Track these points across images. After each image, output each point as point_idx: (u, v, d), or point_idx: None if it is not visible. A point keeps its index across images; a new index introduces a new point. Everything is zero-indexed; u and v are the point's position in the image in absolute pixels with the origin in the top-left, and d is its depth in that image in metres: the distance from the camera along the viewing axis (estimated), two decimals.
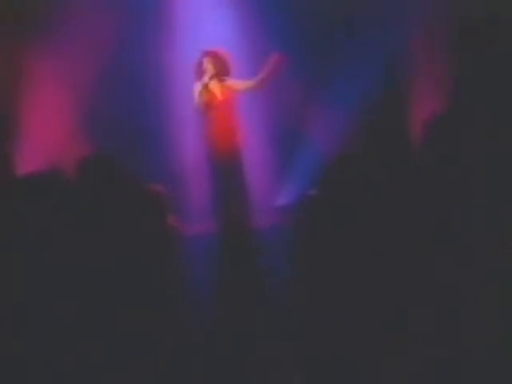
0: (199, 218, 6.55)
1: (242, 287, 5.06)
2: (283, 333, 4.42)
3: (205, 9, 7.18)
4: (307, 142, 7.05)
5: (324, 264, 4.88)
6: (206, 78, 6.52)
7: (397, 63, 6.95)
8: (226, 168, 6.46)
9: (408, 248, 4.91)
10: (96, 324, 4.17)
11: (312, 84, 7.08)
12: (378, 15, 6.89)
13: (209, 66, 6.53)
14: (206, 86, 6.49)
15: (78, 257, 4.73)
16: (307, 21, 7.00)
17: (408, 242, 5.03)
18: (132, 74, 6.90)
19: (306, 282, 4.73)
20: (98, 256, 4.75)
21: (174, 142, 6.90)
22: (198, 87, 6.56)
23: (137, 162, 6.34)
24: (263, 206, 6.67)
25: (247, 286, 5.09)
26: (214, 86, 6.54)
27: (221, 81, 6.58)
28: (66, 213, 5.14)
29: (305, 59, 7.00)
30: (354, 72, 6.97)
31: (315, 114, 7.11)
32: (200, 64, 6.57)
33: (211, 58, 6.53)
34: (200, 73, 6.58)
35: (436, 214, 5.32)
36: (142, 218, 5.31)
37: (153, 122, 6.93)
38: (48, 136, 6.72)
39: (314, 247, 5.22)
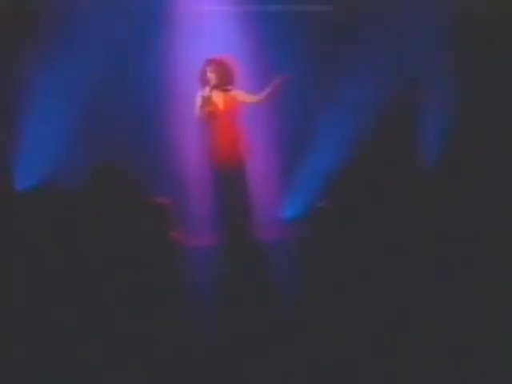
0: (202, 230, 6.41)
1: (245, 301, 5.02)
2: (287, 346, 4.38)
3: (207, 15, 7.03)
4: (312, 152, 6.93)
5: (334, 277, 4.98)
6: (207, 88, 6.42)
7: (406, 72, 6.89)
8: (229, 179, 6.38)
9: (418, 258, 5.09)
10: (96, 335, 4.21)
11: (318, 93, 6.99)
12: (385, 23, 6.86)
13: (211, 76, 6.41)
14: (208, 96, 6.40)
15: (79, 265, 4.81)
16: (312, 27, 6.95)
17: (418, 253, 5.22)
18: (133, 82, 6.75)
19: (314, 294, 4.82)
20: (98, 265, 4.81)
21: (177, 153, 6.74)
22: (199, 97, 6.45)
23: (139, 174, 6.30)
24: (268, 218, 6.57)
25: (251, 299, 5.04)
26: (217, 95, 6.43)
27: (224, 90, 6.46)
28: (69, 223, 5.23)
29: (311, 67, 6.92)
30: (361, 81, 6.87)
31: (321, 123, 7.00)
32: (203, 73, 6.47)
33: (214, 67, 6.41)
34: (203, 82, 6.47)
35: (444, 226, 5.52)
36: (145, 229, 5.39)
37: (155, 132, 6.79)
38: (47, 146, 6.66)
39: (324, 259, 5.31)
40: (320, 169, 6.73)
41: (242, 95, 6.47)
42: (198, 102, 6.43)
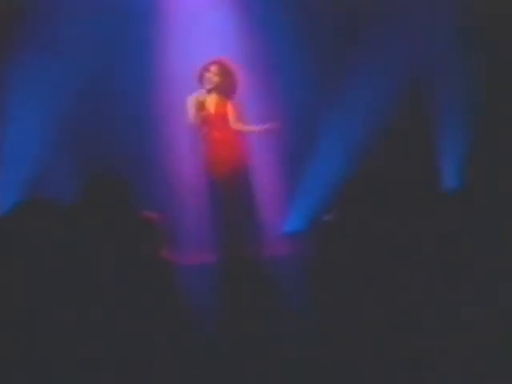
0: (197, 246, 6.14)
1: (245, 326, 4.70)
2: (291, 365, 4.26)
3: (204, 16, 6.80)
4: (319, 161, 6.75)
5: (342, 294, 4.88)
6: (204, 90, 6.17)
7: (418, 77, 6.75)
8: (227, 190, 6.14)
9: (428, 275, 4.95)
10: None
11: (325, 98, 6.81)
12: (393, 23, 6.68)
13: (213, 78, 6.14)
14: (205, 99, 6.15)
15: (66, 280, 4.74)
16: (316, 30, 6.75)
17: (427, 269, 5.02)
18: (122, 87, 6.51)
19: (320, 317, 4.63)
20: (82, 284, 4.73)
21: (168, 161, 6.52)
22: (194, 100, 6.16)
23: (127, 185, 5.83)
24: (270, 232, 6.33)
25: (252, 324, 4.71)
26: (215, 99, 6.20)
27: (222, 95, 6.21)
28: (56, 238, 5.11)
29: (314, 74, 6.71)
30: (369, 88, 6.71)
31: (327, 130, 6.82)
32: (204, 73, 6.19)
33: (219, 69, 6.15)
34: (202, 83, 6.21)
35: (456, 246, 5.28)
36: (133, 246, 5.21)
37: (144, 138, 6.56)
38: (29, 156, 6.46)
39: (331, 276, 5.19)
40: (327, 179, 6.53)
41: (232, 113, 6.20)
42: (193, 105, 6.16)
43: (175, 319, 4.56)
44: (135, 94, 6.45)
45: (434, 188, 6.09)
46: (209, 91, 6.12)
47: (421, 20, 6.70)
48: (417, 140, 6.61)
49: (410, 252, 5.25)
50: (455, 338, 4.28)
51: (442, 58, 6.75)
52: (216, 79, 6.11)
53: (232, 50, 6.43)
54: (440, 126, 6.73)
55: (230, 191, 6.12)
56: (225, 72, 6.15)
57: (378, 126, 6.60)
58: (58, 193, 5.95)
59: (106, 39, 6.40)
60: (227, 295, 5.05)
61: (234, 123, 6.17)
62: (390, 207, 5.71)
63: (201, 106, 6.08)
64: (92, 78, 6.42)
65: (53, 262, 4.95)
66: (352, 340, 4.29)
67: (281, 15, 6.67)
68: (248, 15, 6.70)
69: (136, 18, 6.48)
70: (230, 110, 6.19)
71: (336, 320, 4.49)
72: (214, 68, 6.13)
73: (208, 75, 6.12)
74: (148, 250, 5.26)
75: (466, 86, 6.64)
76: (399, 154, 6.44)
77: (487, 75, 6.65)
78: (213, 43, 6.46)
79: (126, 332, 4.37)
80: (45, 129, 6.45)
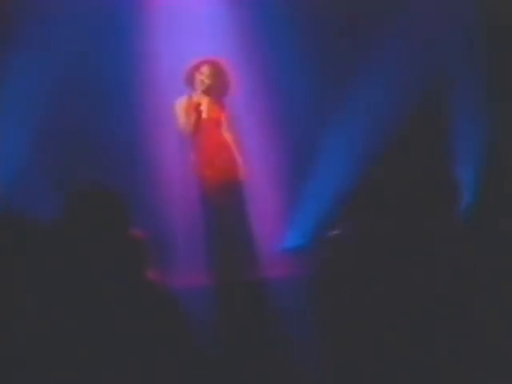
0: (188, 267, 5.83)
1: (241, 355, 4.62)
2: None
3: (195, 16, 6.47)
4: (323, 170, 6.53)
5: (351, 316, 4.44)
6: (196, 93, 5.90)
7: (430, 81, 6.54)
8: (221, 204, 5.87)
9: (446, 298, 4.55)
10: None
11: (327, 102, 6.57)
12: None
13: (205, 80, 5.87)
14: (197, 103, 5.86)
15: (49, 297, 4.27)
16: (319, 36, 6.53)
17: (447, 291, 4.61)
18: (110, 88, 6.22)
19: (326, 348, 4.21)
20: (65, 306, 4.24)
21: (155, 172, 6.16)
22: (184, 104, 5.89)
23: (112, 199, 5.46)
24: (270, 250, 6.08)
25: (249, 353, 4.65)
26: (207, 102, 5.92)
27: (215, 97, 5.95)
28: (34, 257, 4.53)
29: (314, 86, 6.47)
30: (373, 97, 6.51)
31: (331, 137, 6.57)
32: (193, 74, 5.91)
33: (211, 70, 5.89)
34: (191, 85, 5.94)
35: (471, 267, 4.82)
36: (116, 267, 4.56)
37: (128, 147, 6.28)
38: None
39: (339, 297, 4.75)
40: (332, 190, 6.32)
41: (225, 120, 5.98)
42: (182, 110, 5.89)
43: (161, 346, 4.08)
44: (124, 95, 6.23)
45: (451, 201, 5.89)
46: (203, 94, 5.88)
47: (434, 24, 6.53)
48: (429, 148, 6.36)
49: (428, 269, 4.77)
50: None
51: (456, 60, 6.61)
52: (208, 81, 5.87)
53: (228, 50, 6.21)
54: (453, 134, 6.61)
55: (224, 205, 5.90)
56: (217, 73, 5.90)
57: (386, 134, 6.42)
58: (35, 206, 5.55)
59: (93, 39, 6.19)
60: (220, 323, 4.96)
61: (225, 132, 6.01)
62: (404, 220, 5.22)
63: (192, 110, 5.83)
64: (77, 78, 6.21)
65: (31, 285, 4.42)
66: (362, 369, 3.94)
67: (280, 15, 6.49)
68: (246, 14, 6.48)
69: (125, 16, 6.27)
70: (223, 116, 6.00)
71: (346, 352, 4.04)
72: (205, 69, 5.87)
73: (200, 77, 5.86)
74: (133, 271, 4.63)
75: (480, 92, 6.52)
76: (410, 164, 6.02)
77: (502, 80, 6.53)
78: (208, 42, 6.23)
79: (112, 354, 4.00)
80: (25, 132, 6.21)
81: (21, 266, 4.79)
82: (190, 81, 5.88)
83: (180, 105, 5.87)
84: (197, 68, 5.86)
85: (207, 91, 5.85)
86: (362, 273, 5.27)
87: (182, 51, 6.11)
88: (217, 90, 5.91)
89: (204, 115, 5.87)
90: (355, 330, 4.36)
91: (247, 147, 6.11)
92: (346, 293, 4.93)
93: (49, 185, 5.98)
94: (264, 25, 6.42)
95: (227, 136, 5.94)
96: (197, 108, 5.81)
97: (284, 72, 6.36)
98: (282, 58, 6.40)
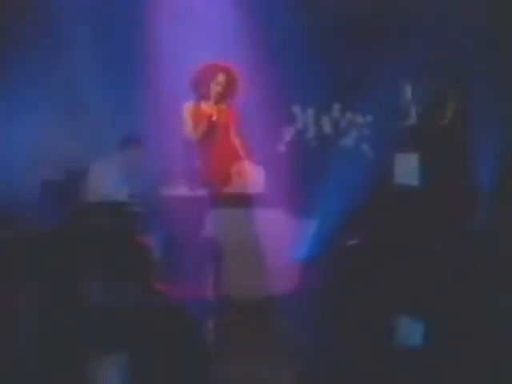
0: (194, 279, 5.72)
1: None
2: None
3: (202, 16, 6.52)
4: (337, 179, 6.42)
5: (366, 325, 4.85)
6: (208, 101, 5.85)
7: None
8: (231, 216, 5.76)
9: (459, 307, 5.03)
10: None
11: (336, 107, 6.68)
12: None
13: (221, 90, 5.83)
14: (207, 111, 5.82)
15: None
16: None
17: (459, 301, 5.18)
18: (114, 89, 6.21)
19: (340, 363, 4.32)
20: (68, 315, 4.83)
21: (162, 179, 6.04)
22: (193, 111, 5.83)
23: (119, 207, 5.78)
24: (282, 263, 5.88)
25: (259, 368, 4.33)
26: (218, 110, 5.87)
27: (224, 103, 5.90)
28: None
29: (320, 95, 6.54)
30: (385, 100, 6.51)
31: (342, 144, 6.70)
32: (206, 82, 5.85)
33: (226, 77, 5.84)
34: (203, 92, 5.87)
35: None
36: (123, 275, 5.30)
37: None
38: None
39: (355, 306, 5.22)
40: (346, 200, 6.27)
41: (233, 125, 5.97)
42: (191, 117, 5.83)
43: (165, 354, 4.37)
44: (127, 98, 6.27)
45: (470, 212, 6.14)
46: (216, 101, 5.84)
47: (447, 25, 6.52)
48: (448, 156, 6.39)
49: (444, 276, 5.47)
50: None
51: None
52: (223, 90, 5.85)
53: (231, 51, 6.20)
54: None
55: (233, 217, 5.78)
56: (231, 80, 5.89)
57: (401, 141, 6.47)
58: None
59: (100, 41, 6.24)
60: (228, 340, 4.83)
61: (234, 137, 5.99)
62: (423, 228, 5.86)
63: (202, 119, 5.78)
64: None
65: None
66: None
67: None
68: (248, 15, 6.45)
69: (128, 18, 6.28)
70: (232, 120, 5.97)
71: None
72: (221, 78, 5.84)
73: (216, 88, 5.83)
74: (138, 280, 5.34)
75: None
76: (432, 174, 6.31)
77: None
78: (212, 43, 6.26)
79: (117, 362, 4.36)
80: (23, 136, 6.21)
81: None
82: (203, 89, 5.84)
83: (187, 111, 5.83)
84: (213, 77, 5.83)
85: (220, 99, 5.83)
86: (375, 280, 5.43)
87: (186, 50, 6.10)
88: (228, 96, 5.88)
89: (214, 121, 5.83)
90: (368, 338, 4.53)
91: (259, 155, 6.07)
92: (361, 304, 5.18)
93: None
94: (267, 26, 6.43)
95: (236, 142, 5.91)
96: (209, 118, 5.77)
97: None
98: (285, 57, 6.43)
